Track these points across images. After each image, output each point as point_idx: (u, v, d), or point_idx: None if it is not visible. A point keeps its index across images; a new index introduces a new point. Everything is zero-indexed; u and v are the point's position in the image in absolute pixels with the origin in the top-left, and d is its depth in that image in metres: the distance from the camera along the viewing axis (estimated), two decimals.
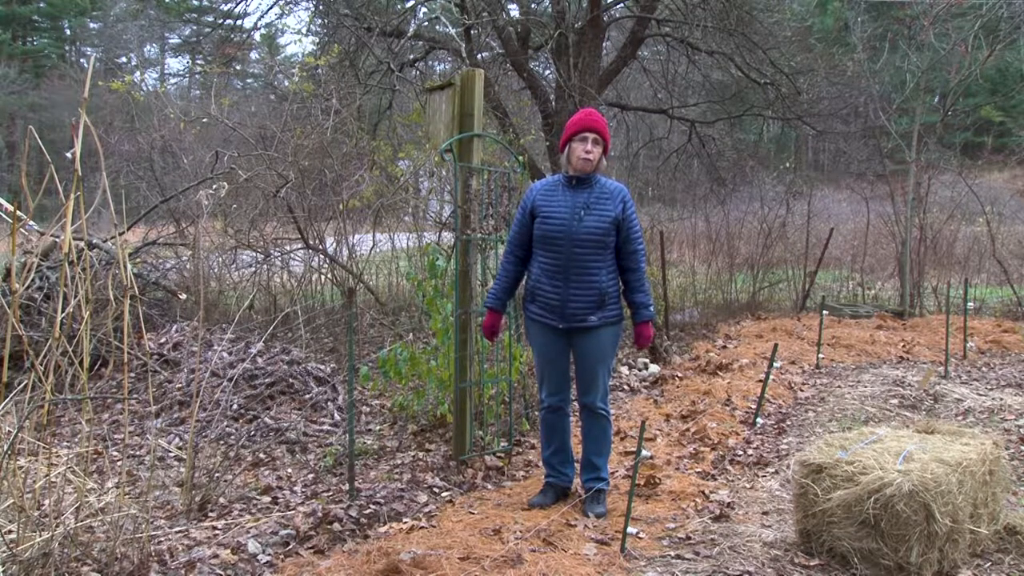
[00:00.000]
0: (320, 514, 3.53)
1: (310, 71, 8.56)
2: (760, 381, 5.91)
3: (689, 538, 3.43)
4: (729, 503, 3.86)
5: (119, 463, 3.91)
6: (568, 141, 3.70)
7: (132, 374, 5.79)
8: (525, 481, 4.22)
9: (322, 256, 7.65)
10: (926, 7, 10.83)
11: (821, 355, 7.51)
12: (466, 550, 3.12)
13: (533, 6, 10.77)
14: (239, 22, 11.74)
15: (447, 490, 4.03)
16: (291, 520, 3.50)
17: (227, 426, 4.98)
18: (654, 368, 6.97)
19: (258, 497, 3.94)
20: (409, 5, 10.74)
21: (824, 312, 8.34)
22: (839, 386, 6.56)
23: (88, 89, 2.87)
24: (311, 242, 7.49)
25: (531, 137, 9.31)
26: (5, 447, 2.66)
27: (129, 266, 3.12)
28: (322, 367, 5.85)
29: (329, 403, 5.38)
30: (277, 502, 3.88)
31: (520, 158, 5.22)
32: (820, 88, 10.97)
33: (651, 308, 3.76)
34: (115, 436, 4.81)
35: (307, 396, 5.43)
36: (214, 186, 6.02)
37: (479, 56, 9.24)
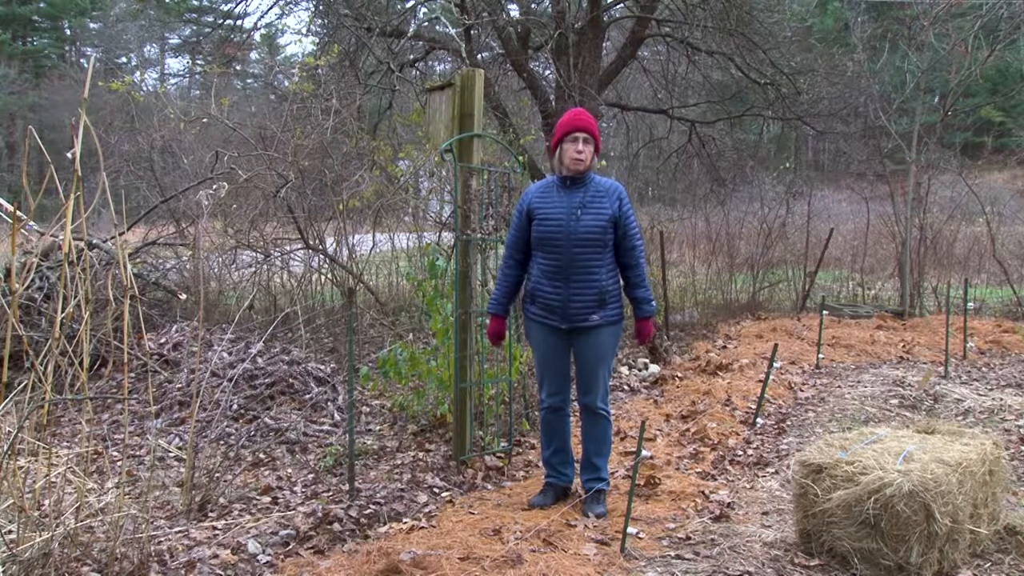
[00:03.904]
0: (320, 514, 3.53)
1: (310, 71, 8.55)
2: (760, 381, 5.91)
3: (689, 538, 3.43)
4: (729, 503, 3.86)
5: (119, 463, 3.91)
6: (560, 142, 3.70)
7: (132, 374, 5.79)
8: (525, 481, 4.22)
9: (322, 256, 7.65)
10: (926, 7, 10.83)
11: (821, 355, 7.50)
12: (466, 550, 3.12)
13: (533, 6, 10.77)
14: (239, 22, 11.73)
15: (447, 490, 4.03)
16: (291, 520, 3.50)
17: (227, 426, 4.98)
18: (654, 368, 6.97)
19: (258, 497, 3.94)
20: (409, 5, 10.74)
21: (824, 312, 8.34)
22: (839, 386, 6.56)
23: (88, 89, 2.87)
24: (311, 242, 7.49)
25: (531, 137, 9.30)
26: (5, 447, 2.66)
27: (129, 266, 3.12)
28: (322, 367, 5.85)
29: (329, 403, 5.38)
30: (277, 502, 3.88)
31: (520, 158, 5.22)
32: (820, 88, 10.96)
33: (652, 304, 3.77)
34: (115, 436, 4.81)
35: (307, 396, 5.43)
36: (214, 186, 6.02)
37: (479, 56, 9.24)
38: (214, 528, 3.46)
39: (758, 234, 11.26)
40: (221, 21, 12.49)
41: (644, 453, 3.36)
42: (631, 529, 3.36)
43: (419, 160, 7.69)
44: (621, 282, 3.79)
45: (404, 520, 3.58)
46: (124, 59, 34.74)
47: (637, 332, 3.80)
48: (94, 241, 6.56)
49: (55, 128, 22.45)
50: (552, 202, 3.68)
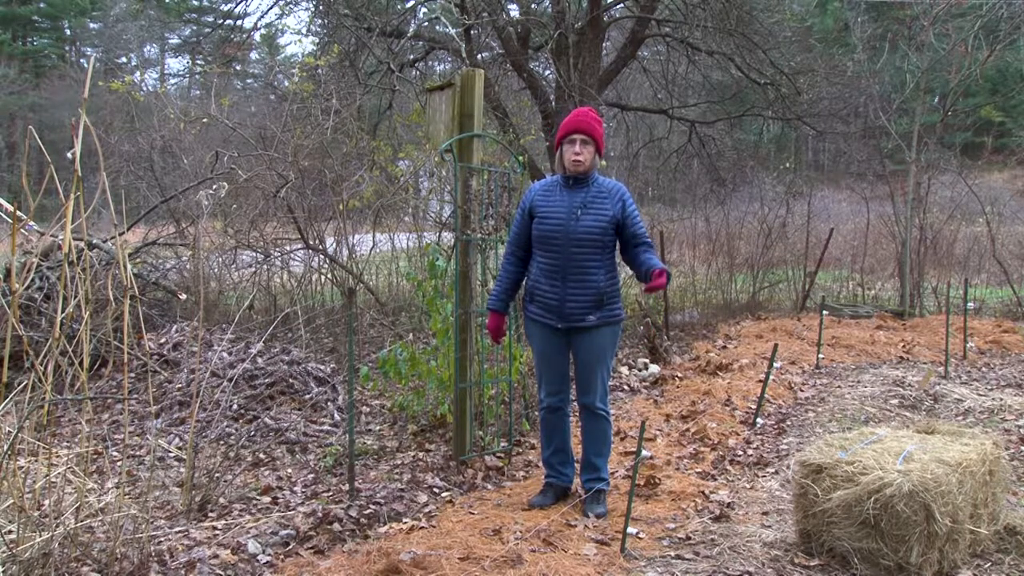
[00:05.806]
0: (320, 514, 3.53)
1: (310, 71, 8.56)
2: (760, 381, 5.91)
3: (689, 538, 3.43)
4: (729, 503, 3.86)
5: (119, 463, 3.91)
6: (560, 143, 3.71)
7: (132, 374, 5.79)
8: (525, 481, 4.22)
9: (322, 256, 7.65)
10: (926, 7, 10.84)
11: (821, 355, 7.50)
12: (466, 550, 3.12)
13: (533, 6, 10.77)
14: (239, 22, 11.74)
15: (447, 490, 4.03)
16: (291, 520, 3.50)
17: (227, 426, 4.98)
18: (654, 368, 6.96)
19: (258, 497, 3.94)
20: (409, 5, 10.75)
21: (824, 312, 8.34)
22: (839, 386, 6.56)
23: (88, 89, 2.87)
24: (311, 242, 7.49)
25: (531, 137, 9.31)
26: (5, 447, 2.66)
27: (129, 266, 3.12)
28: (322, 367, 5.85)
29: (329, 403, 5.38)
30: (277, 502, 3.88)
31: (520, 158, 5.22)
32: (820, 88, 10.98)
33: (663, 266, 3.48)
34: (115, 436, 4.81)
35: (307, 396, 5.43)
36: (214, 186, 6.02)
37: (479, 56, 9.24)
38: (214, 528, 3.46)
39: (758, 234, 11.26)
40: (221, 21, 12.50)
41: (644, 453, 3.36)
42: (631, 529, 3.36)
43: (419, 160, 7.70)
44: (620, 283, 3.78)
45: (404, 520, 3.58)
46: (124, 59, 34.77)
47: (649, 282, 3.43)
48: (94, 241, 6.56)
49: (55, 128, 22.44)
50: (553, 201, 3.68)
